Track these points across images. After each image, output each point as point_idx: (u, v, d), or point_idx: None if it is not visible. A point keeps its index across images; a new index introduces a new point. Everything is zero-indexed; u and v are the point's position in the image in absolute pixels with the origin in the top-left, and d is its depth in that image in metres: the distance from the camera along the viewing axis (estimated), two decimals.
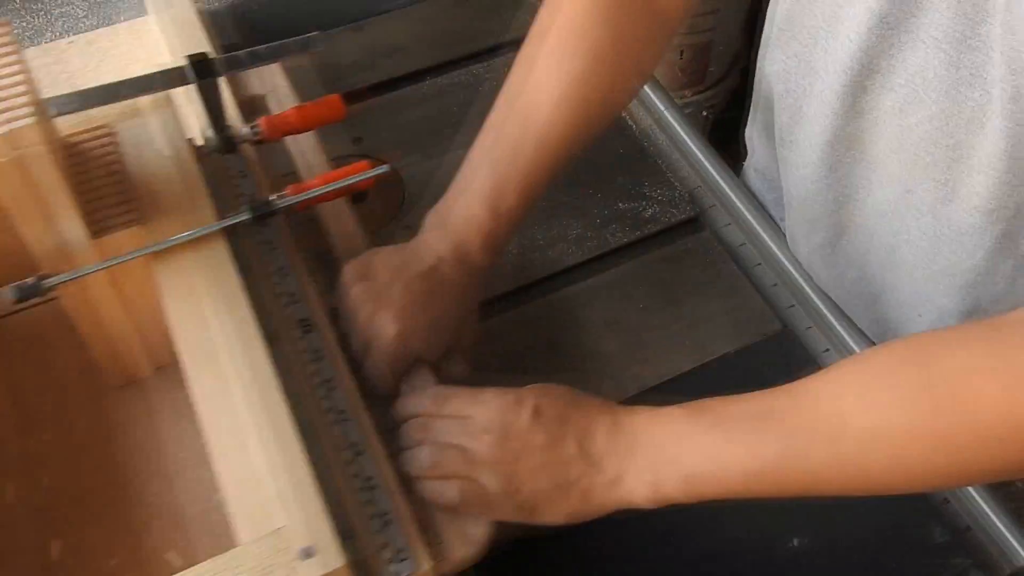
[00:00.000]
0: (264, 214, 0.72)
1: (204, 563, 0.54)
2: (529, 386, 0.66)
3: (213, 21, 1.03)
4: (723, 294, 0.89)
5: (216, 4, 1.14)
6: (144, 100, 0.74)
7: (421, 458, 0.64)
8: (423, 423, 0.67)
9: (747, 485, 0.60)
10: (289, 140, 0.84)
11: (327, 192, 0.75)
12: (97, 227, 0.66)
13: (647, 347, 0.85)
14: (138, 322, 0.74)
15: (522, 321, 0.87)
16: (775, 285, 0.90)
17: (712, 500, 0.61)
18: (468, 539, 0.64)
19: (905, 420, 0.56)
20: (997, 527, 0.74)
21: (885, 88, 0.68)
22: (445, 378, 0.71)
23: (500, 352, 0.84)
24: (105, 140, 0.71)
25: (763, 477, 0.59)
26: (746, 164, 1.03)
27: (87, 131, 0.71)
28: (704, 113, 1.91)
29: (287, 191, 0.74)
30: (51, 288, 0.65)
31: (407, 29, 1.10)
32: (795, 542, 0.74)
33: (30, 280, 0.64)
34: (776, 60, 0.80)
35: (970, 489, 0.76)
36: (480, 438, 0.64)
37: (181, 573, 0.54)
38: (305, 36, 0.79)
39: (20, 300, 0.64)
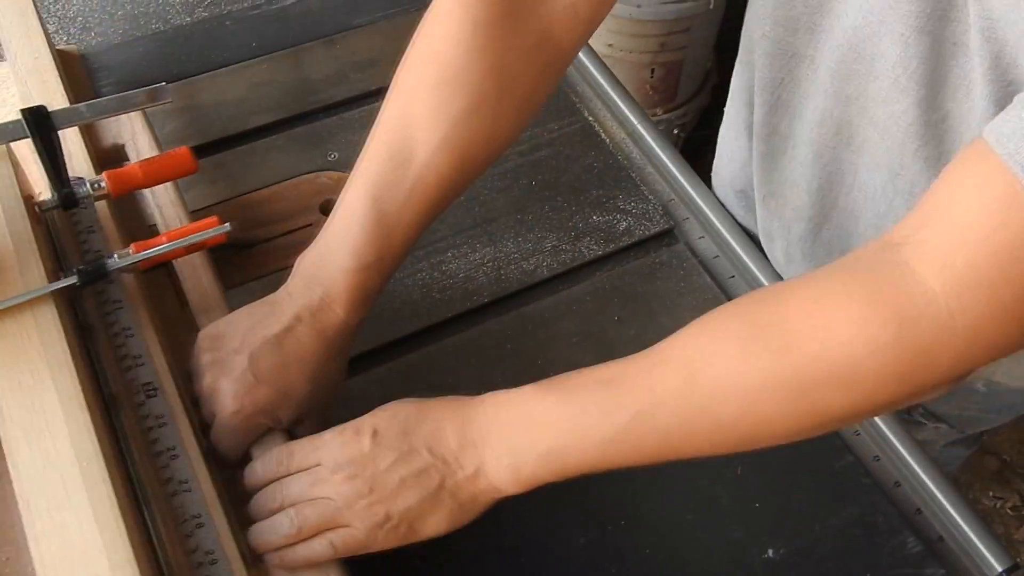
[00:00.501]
0: (91, 280, 0.68)
1: None
2: (368, 413, 0.64)
3: (92, 62, 1.03)
4: (697, 306, 0.89)
5: (97, 43, 1.11)
6: None
7: (284, 526, 0.62)
8: (273, 489, 0.64)
9: (605, 453, 0.59)
10: (150, 191, 0.81)
11: (170, 251, 0.71)
12: None
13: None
14: None
15: (496, 333, 0.87)
16: None
17: (578, 476, 0.60)
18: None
19: (752, 364, 0.55)
20: (969, 537, 0.75)
21: (871, 76, 0.68)
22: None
23: (474, 364, 0.84)
24: None
25: (620, 442, 0.58)
26: (714, 172, 1.03)
27: None
28: (675, 131, 1.93)
29: (131, 249, 0.70)
30: None
31: (379, 43, 1.10)
32: (770, 552, 0.74)
33: None
34: (758, 47, 0.79)
35: (943, 500, 0.76)
36: (332, 482, 0.62)
37: None
38: (150, 87, 0.76)
39: None
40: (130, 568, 0.54)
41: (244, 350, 0.67)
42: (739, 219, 0.97)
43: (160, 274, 0.78)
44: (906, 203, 0.73)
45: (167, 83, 0.78)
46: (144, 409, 0.65)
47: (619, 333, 0.87)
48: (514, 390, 0.62)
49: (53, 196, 0.72)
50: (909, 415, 0.93)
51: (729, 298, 0.90)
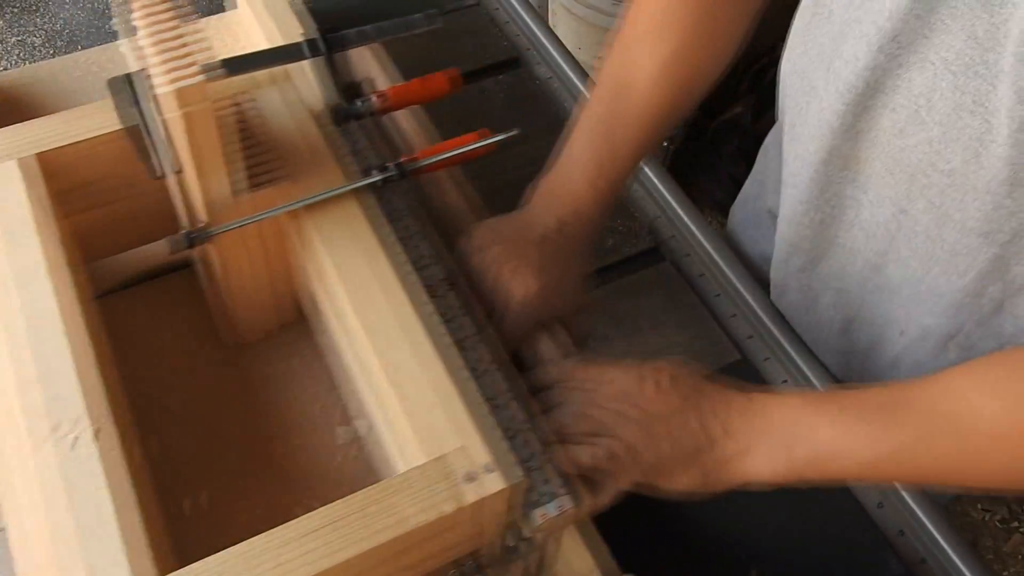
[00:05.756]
0: (393, 177, 0.75)
1: (372, 487, 0.57)
2: (651, 362, 0.68)
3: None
4: (682, 324, 0.89)
5: None
6: (263, 75, 0.77)
7: (550, 422, 0.66)
8: (550, 393, 0.69)
9: (873, 468, 0.62)
10: (398, 115, 0.89)
11: (450, 157, 0.77)
12: (238, 186, 0.69)
13: None
14: (273, 277, 0.77)
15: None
16: (734, 316, 0.90)
17: (833, 480, 0.63)
18: (601, 489, 0.66)
19: None
20: (952, 559, 0.74)
21: (887, 108, 0.68)
22: (564, 341, 0.74)
23: None
24: (237, 108, 0.74)
25: (889, 462, 0.61)
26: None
27: (229, 96, 0.72)
28: (664, 143, 1.93)
29: (418, 155, 0.77)
30: (205, 240, 0.68)
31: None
32: (753, 573, 0.74)
33: (188, 231, 0.68)
34: (785, 77, 0.80)
35: (925, 521, 0.76)
36: (606, 406, 0.66)
37: (359, 492, 0.57)
38: (410, 17, 0.82)
39: (189, 247, 0.68)
40: (480, 415, 0.62)
41: (516, 248, 0.75)
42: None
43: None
44: (909, 243, 0.73)
45: None
46: (442, 302, 0.70)
47: (604, 350, 0.87)
48: (784, 395, 0.66)
49: (338, 109, 0.79)
50: None
51: (714, 316, 0.90)
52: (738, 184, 1.07)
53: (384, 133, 0.87)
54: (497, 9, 1.18)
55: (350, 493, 0.57)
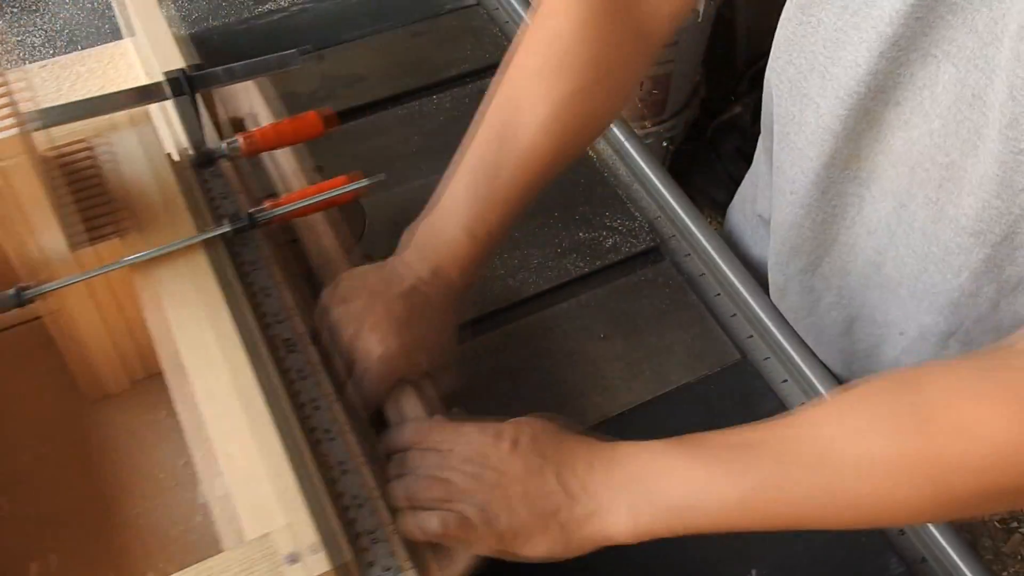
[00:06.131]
0: (243, 227, 0.72)
1: (189, 568, 0.54)
2: (510, 420, 0.66)
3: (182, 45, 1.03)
4: (682, 324, 0.89)
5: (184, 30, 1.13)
6: (122, 116, 0.75)
7: (398, 488, 0.64)
8: (403, 457, 0.66)
9: (729, 517, 0.59)
10: (268, 157, 0.85)
11: (308, 205, 0.75)
12: (77, 239, 0.66)
13: (607, 376, 0.85)
14: (114, 335, 0.74)
15: (481, 350, 0.86)
16: (734, 315, 0.90)
17: (695, 533, 0.61)
18: (455, 558, 0.64)
19: (892, 447, 0.55)
20: (952, 558, 0.74)
21: (891, 103, 0.67)
22: (432, 398, 0.71)
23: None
24: (83, 154, 0.72)
25: (745, 508, 0.59)
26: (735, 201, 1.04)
27: (65, 145, 0.71)
28: (664, 144, 1.93)
29: (266, 205, 0.73)
30: (31, 299, 0.64)
31: (366, 59, 1.10)
32: (753, 573, 0.74)
33: (10, 291, 0.64)
34: (771, 86, 0.79)
35: None
36: (459, 469, 0.64)
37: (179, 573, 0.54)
38: (281, 54, 0.79)
39: (9, 308, 0.64)
40: (295, 494, 0.58)
41: (378, 302, 0.71)
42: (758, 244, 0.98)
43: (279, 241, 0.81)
44: (907, 239, 0.73)
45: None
46: (285, 363, 0.68)
47: (604, 350, 0.87)
48: (645, 442, 0.63)
49: (190, 154, 0.76)
50: None
51: (714, 316, 0.90)
52: (737, 184, 1.07)
53: (257, 175, 0.84)
54: (497, 9, 1.18)
55: (206, 558, 0.55)
